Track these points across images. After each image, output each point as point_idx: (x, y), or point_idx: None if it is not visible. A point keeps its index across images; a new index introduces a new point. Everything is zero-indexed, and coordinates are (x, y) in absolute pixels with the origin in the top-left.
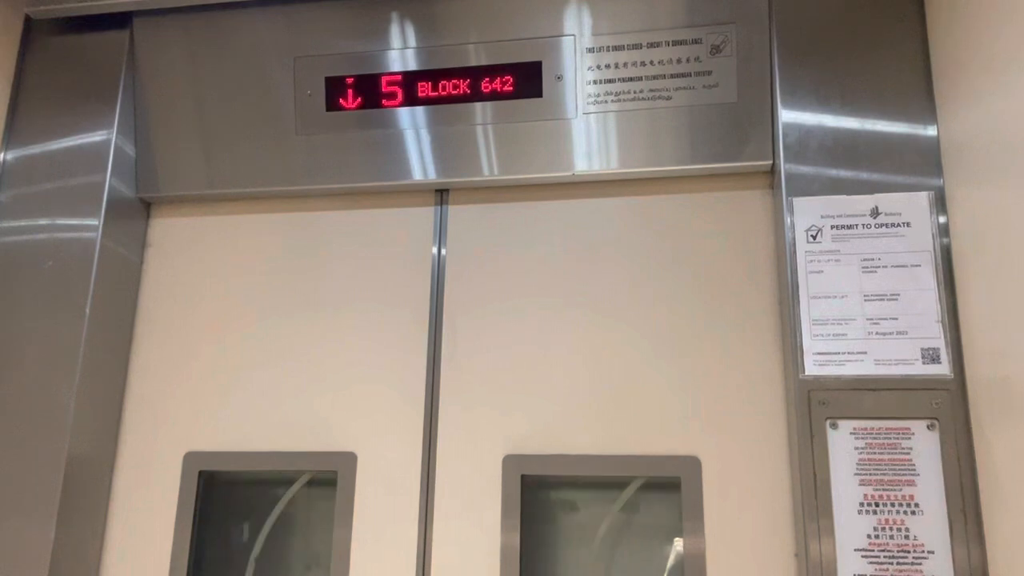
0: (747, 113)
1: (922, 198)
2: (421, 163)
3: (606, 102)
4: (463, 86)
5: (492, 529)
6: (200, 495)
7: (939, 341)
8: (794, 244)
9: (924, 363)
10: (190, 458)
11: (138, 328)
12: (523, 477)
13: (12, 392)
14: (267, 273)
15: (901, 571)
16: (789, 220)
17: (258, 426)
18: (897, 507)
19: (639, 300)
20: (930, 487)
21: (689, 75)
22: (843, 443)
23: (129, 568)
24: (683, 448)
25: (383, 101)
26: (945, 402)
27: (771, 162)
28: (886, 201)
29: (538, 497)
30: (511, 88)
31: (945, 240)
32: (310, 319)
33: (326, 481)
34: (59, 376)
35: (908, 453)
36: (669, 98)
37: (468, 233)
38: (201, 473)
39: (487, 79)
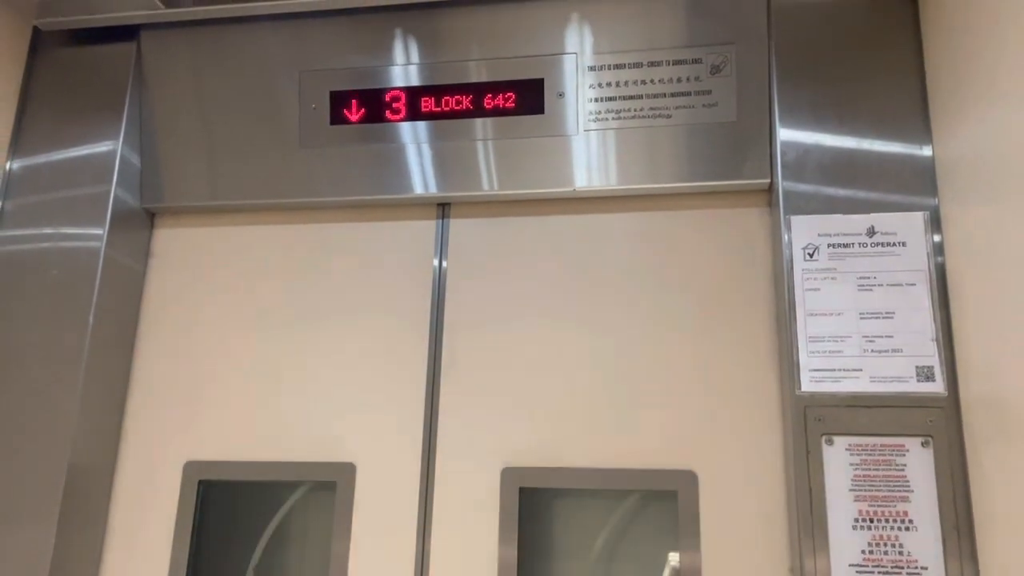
0: (746, 132)
1: (917, 218)
2: (423, 177)
3: (607, 119)
4: (465, 102)
5: (490, 541)
6: (200, 504)
7: (934, 359)
8: (791, 262)
9: (919, 381)
10: (190, 467)
11: (140, 337)
12: (521, 490)
13: (15, 399)
14: (269, 284)
15: None
16: (787, 238)
17: (258, 436)
18: (891, 523)
19: (637, 315)
20: (924, 503)
21: (689, 94)
22: (838, 459)
23: None
24: (680, 462)
25: (386, 116)
26: (939, 419)
27: (769, 180)
28: (882, 220)
29: (536, 509)
30: (513, 104)
31: (940, 259)
32: (311, 330)
33: (325, 491)
34: (62, 384)
35: (902, 470)
36: (669, 116)
37: (469, 247)
38: (201, 482)
39: (489, 95)
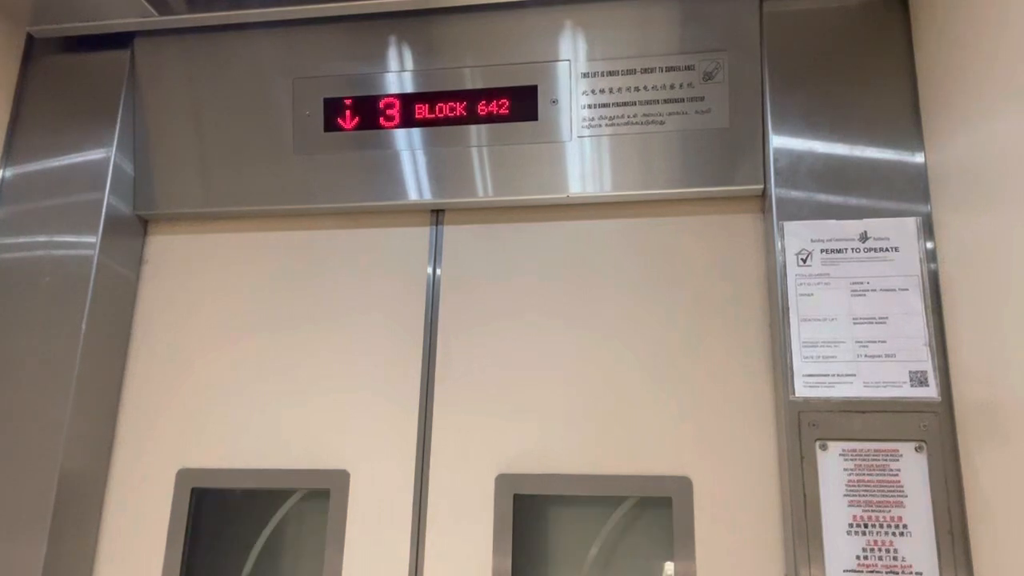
0: (738, 138)
1: (910, 224)
2: (417, 184)
3: (600, 126)
4: (460, 108)
5: (484, 548)
6: (192, 512)
7: (927, 364)
8: (784, 267)
9: (912, 386)
10: (183, 475)
11: (133, 344)
12: (516, 496)
13: (7, 407)
14: (263, 291)
15: None
16: (780, 244)
17: (251, 443)
18: (886, 528)
19: (632, 321)
20: (918, 508)
21: (682, 100)
22: (832, 464)
23: None
24: (675, 468)
25: (380, 122)
26: (933, 424)
27: (762, 186)
28: (875, 226)
29: (530, 516)
30: (507, 111)
31: (932, 265)
32: (305, 337)
33: (319, 499)
34: (54, 392)
35: (897, 475)
36: (662, 123)
37: (463, 253)
38: (194, 490)
39: (483, 102)
